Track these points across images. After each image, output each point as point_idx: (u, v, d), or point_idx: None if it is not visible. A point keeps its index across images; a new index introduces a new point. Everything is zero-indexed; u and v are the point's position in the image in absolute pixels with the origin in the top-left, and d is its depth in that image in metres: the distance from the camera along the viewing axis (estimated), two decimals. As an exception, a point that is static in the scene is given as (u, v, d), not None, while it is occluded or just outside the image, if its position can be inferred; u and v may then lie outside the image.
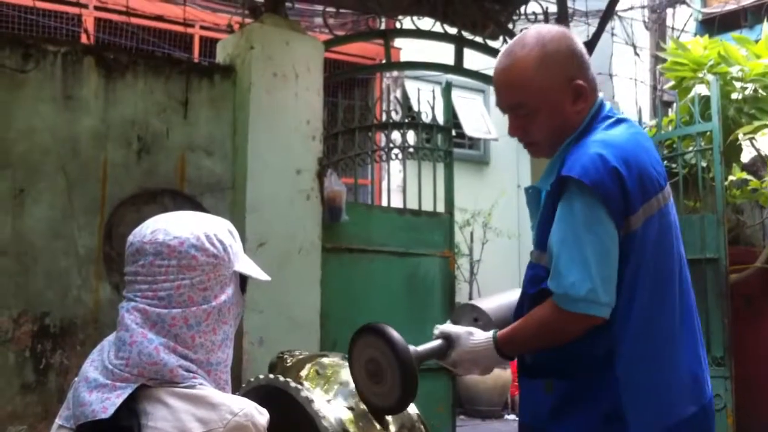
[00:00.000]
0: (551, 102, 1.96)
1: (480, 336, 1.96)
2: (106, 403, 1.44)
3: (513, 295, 2.09)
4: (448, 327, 2.01)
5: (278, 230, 3.83)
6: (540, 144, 2.03)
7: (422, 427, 2.13)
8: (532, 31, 2.01)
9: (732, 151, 5.20)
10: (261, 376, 2.12)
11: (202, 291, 1.54)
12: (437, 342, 2.00)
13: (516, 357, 1.99)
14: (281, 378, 2.08)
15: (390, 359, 1.90)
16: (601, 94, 2.08)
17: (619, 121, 2.00)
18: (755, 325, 5.23)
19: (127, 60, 3.66)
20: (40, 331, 3.27)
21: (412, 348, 1.94)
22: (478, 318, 2.04)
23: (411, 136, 4.81)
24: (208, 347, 1.53)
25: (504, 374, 7.53)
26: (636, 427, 1.82)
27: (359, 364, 1.98)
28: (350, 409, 2.06)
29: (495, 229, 8.31)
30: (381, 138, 4.71)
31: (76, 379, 1.57)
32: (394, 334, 1.91)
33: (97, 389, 1.47)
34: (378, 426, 2.05)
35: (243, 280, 1.65)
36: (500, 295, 2.17)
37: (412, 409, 2.15)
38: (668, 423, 1.85)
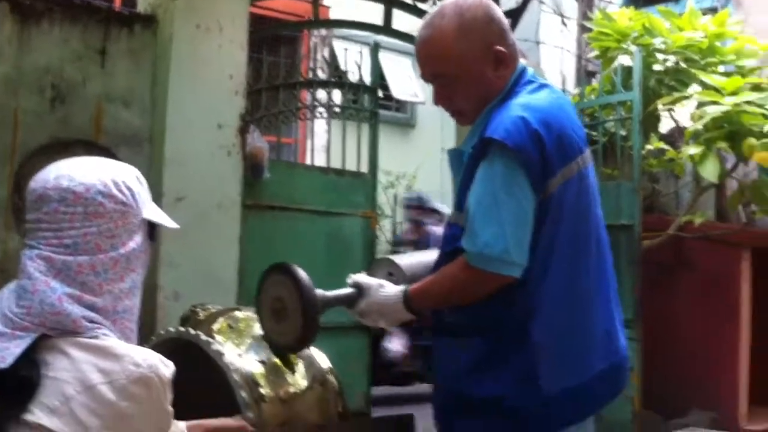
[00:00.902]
0: (472, 70, 1.98)
1: (390, 289, 1.99)
2: (4, 353, 1.41)
3: (431, 255, 2.11)
4: (361, 277, 2.04)
5: (197, 185, 3.77)
6: (465, 112, 2.06)
7: (334, 380, 2.14)
8: (450, 1, 2.02)
9: (651, 121, 5.31)
10: (171, 329, 2.11)
11: (109, 239, 1.51)
12: (348, 290, 2.03)
13: (422, 313, 2.02)
14: (192, 331, 2.06)
15: (295, 298, 1.93)
16: (523, 61, 2.11)
17: (542, 86, 2.03)
18: (664, 291, 5.40)
19: (43, 7, 3.52)
20: (-55, 282, 3.16)
21: (320, 292, 1.98)
22: (393, 273, 2.06)
23: (337, 96, 4.77)
24: (116, 295, 1.51)
25: (422, 336, 7.62)
26: (548, 386, 1.87)
27: (266, 300, 2.01)
28: (261, 362, 2.06)
29: (419, 191, 8.35)
30: (306, 96, 4.67)
31: (-26, 327, 1.53)
32: (303, 274, 1.94)
33: (-4, 338, 1.43)
34: (289, 379, 2.06)
35: (151, 229, 1.62)
36: (419, 254, 2.21)
37: (324, 362, 2.17)
38: (579, 380, 1.91)
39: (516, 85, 2.01)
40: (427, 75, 2.04)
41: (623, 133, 5.12)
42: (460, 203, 1.96)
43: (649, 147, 4.96)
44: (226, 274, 3.77)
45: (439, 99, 2.05)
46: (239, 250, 3.89)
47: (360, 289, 2.02)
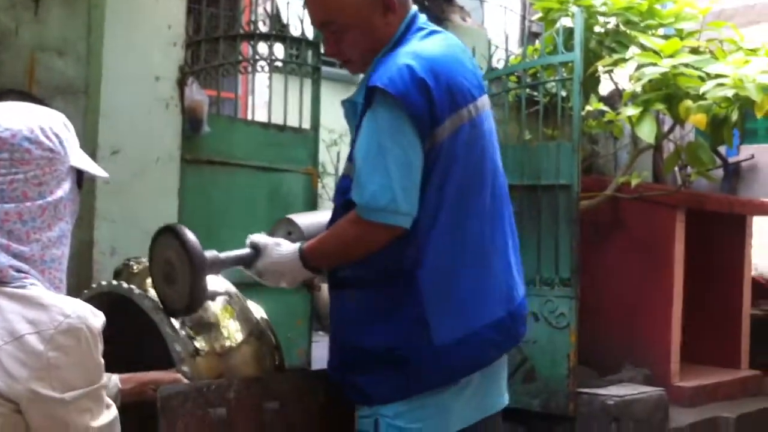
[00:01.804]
0: (360, 17, 1.96)
1: (287, 248, 1.98)
2: (-73, 303, 1.37)
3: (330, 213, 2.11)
4: (258, 237, 2.02)
5: (134, 139, 3.69)
6: (355, 61, 2.05)
7: (271, 334, 2.14)
8: None
9: (591, 82, 5.36)
10: (104, 283, 2.07)
11: (37, 186, 1.47)
12: (244, 250, 2.02)
13: (322, 270, 2.01)
14: (125, 285, 2.03)
15: (183, 260, 1.91)
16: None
17: (432, 32, 2.02)
18: (601, 251, 5.50)
19: (-28, -49, 3.38)
20: None
21: (213, 253, 1.96)
22: (291, 232, 2.05)
23: (279, 50, 4.70)
24: (44, 243, 1.47)
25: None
26: (439, 332, 1.88)
27: (157, 264, 1.98)
28: (198, 317, 2.04)
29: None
30: (247, 50, 4.59)
31: None
32: (190, 236, 1.91)
33: None
34: (225, 333, 2.05)
35: (79, 177, 1.58)
36: (319, 213, 2.20)
37: (259, 314, 2.16)
38: (472, 327, 1.92)
39: (407, 32, 1.99)
40: (316, 23, 2.03)
41: (564, 94, 5.16)
42: (353, 155, 1.95)
43: (588, 108, 5.02)
44: (164, 230, 3.72)
45: (328, 47, 2.04)
46: (178, 205, 3.83)
47: (257, 249, 2.01)
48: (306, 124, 4.70)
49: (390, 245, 1.87)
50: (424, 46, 1.93)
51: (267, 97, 4.62)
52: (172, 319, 1.97)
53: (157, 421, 1.80)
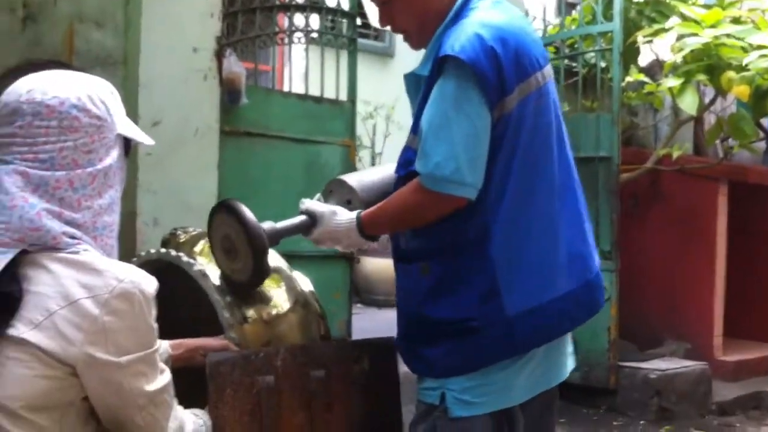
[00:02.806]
0: None
1: (344, 216, 1.97)
2: (-15, 269, 1.37)
3: (386, 170, 2.09)
4: (314, 205, 2.01)
5: (173, 110, 3.69)
6: (410, 33, 2.03)
7: (316, 303, 2.13)
8: None
9: (631, 53, 5.27)
10: (152, 251, 2.07)
11: (86, 153, 1.47)
12: (299, 219, 2.01)
13: (378, 237, 2.01)
14: (173, 252, 2.03)
15: (241, 235, 1.91)
16: None
17: (496, 3, 1.98)
18: (641, 223, 5.44)
19: None
20: None
21: (270, 224, 1.96)
22: (351, 201, 2.03)
23: (315, 21, 4.67)
24: (95, 211, 1.47)
25: (399, 266, 7.66)
26: (510, 304, 1.85)
27: (216, 241, 1.99)
28: (244, 284, 2.04)
29: (397, 122, 8.28)
30: (284, 21, 4.57)
31: (-49, 243, 1.49)
32: (245, 211, 1.91)
33: (-26, 254, 1.40)
34: (271, 302, 2.05)
35: (126, 145, 1.58)
36: (374, 170, 2.16)
37: (307, 286, 2.15)
38: (545, 298, 1.89)
39: (467, 2, 1.96)
40: None
41: (603, 64, 5.09)
42: (416, 127, 1.92)
43: (628, 79, 4.94)
44: (203, 201, 3.73)
45: (382, 19, 2.03)
46: (217, 176, 3.84)
47: (313, 217, 2.00)
48: (343, 96, 4.68)
49: (458, 216, 1.85)
50: (491, 15, 1.91)
51: (303, 69, 4.61)
52: (220, 286, 1.97)
53: (206, 387, 1.81)
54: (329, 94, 4.65)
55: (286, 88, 4.78)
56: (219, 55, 3.89)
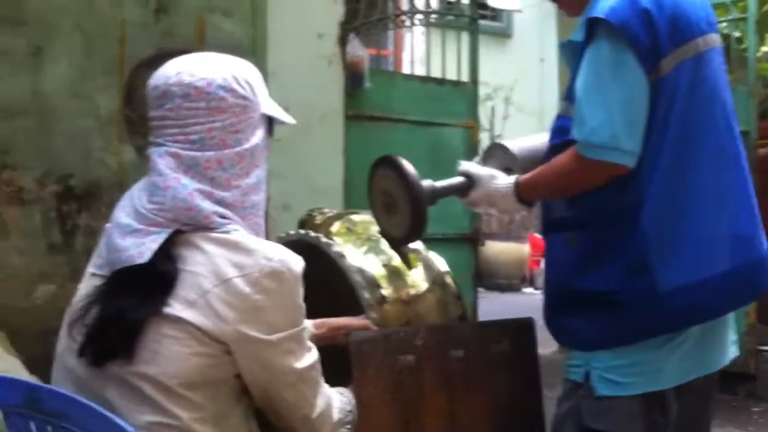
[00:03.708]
0: None
1: (502, 180, 1.95)
2: (142, 248, 1.42)
3: (545, 138, 2.05)
4: (472, 167, 2.00)
5: (300, 96, 3.74)
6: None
7: (452, 283, 2.12)
8: None
9: (766, 22, 5.02)
10: (291, 232, 2.10)
11: (233, 134, 1.49)
12: (458, 179, 2.00)
13: (534, 203, 1.97)
14: (312, 233, 2.05)
15: (402, 190, 1.91)
16: None
17: None
18: (780, 200, 5.17)
19: None
20: (65, 193, 3.25)
21: (429, 182, 1.96)
22: (511, 168, 2.00)
23: (434, 3, 4.65)
24: (244, 190, 1.50)
25: (523, 249, 7.58)
26: (664, 280, 1.77)
27: (376, 195, 1.99)
28: (383, 265, 2.04)
29: (517, 104, 8.18)
30: (401, 4, 4.57)
31: (107, 225, 1.55)
32: (408, 166, 1.91)
33: (131, 234, 1.44)
34: (409, 282, 2.04)
35: (269, 124, 1.60)
36: (533, 138, 2.13)
37: (444, 266, 2.14)
38: (701, 275, 1.79)
39: None
40: None
41: (737, 34, 4.87)
42: (571, 94, 1.87)
43: (764, 49, 4.70)
44: (331, 185, 3.78)
45: None
46: (343, 160, 3.88)
47: (471, 179, 1.98)
48: (464, 77, 4.64)
49: (609, 185, 1.79)
50: None
51: (422, 53, 4.59)
52: (358, 267, 1.98)
53: (347, 367, 1.82)
54: (450, 76, 4.62)
55: (406, 72, 4.78)
56: (342, 41, 3.92)
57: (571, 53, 1.93)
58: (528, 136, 2.18)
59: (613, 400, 1.83)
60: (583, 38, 1.83)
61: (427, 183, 1.95)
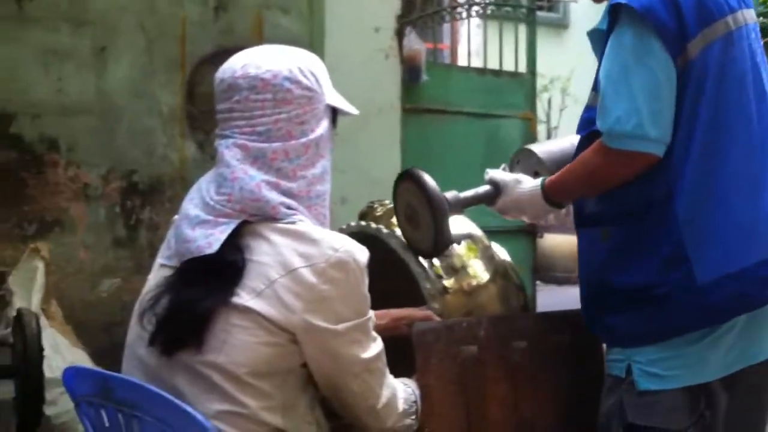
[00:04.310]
0: None
1: (527, 184, 1.90)
2: (210, 239, 1.44)
3: (572, 140, 2.01)
4: (498, 174, 1.97)
5: (357, 90, 3.72)
6: None
7: (514, 275, 2.11)
8: None
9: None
10: (352, 223, 2.11)
11: (299, 125, 1.51)
12: (484, 188, 1.97)
13: (564, 205, 1.93)
14: (372, 225, 2.06)
15: (423, 204, 1.89)
16: None
17: None
18: None
19: None
20: (129, 188, 3.33)
21: (453, 193, 1.93)
22: (538, 172, 1.97)
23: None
24: (309, 180, 1.52)
25: (581, 242, 7.50)
26: (703, 271, 1.71)
27: (400, 209, 1.98)
28: (444, 256, 2.04)
29: (574, 95, 8.08)
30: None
31: (175, 217, 1.57)
32: (428, 180, 1.90)
33: (199, 225, 1.47)
34: (470, 273, 2.04)
35: (333, 115, 1.61)
36: (560, 140, 2.10)
37: (505, 257, 2.13)
38: (742, 263, 1.72)
39: None
40: None
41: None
42: (597, 84, 1.82)
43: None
44: (389, 179, 3.75)
45: None
46: (400, 153, 3.89)
47: (497, 187, 1.96)
48: (522, 68, 4.61)
49: (640, 177, 1.74)
50: None
51: (478, 46, 4.58)
52: (419, 258, 1.98)
53: (409, 357, 1.82)
54: (507, 68, 4.60)
55: (463, 64, 4.77)
56: (399, 34, 3.93)
57: (598, 42, 1.88)
58: (556, 139, 2.15)
59: (656, 395, 1.77)
60: (607, 26, 1.79)
61: (451, 194, 1.93)
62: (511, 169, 2.05)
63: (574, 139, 2.01)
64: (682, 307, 1.73)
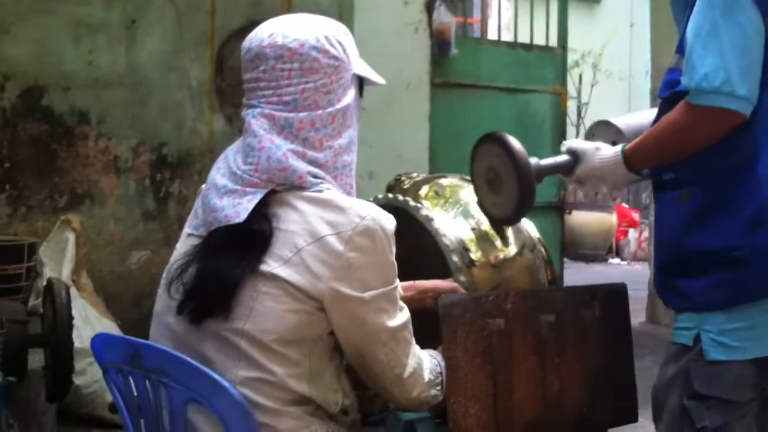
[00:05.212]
0: None
1: (607, 151, 1.86)
2: (238, 208, 1.44)
3: (651, 113, 1.97)
4: (576, 143, 1.93)
5: (386, 64, 3.68)
6: None
7: (542, 249, 2.09)
8: None
9: None
10: (380, 196, 2.10)
11: (326, 94, 1.50)
12: (563, 157, 1.93)
13: (645, 171, 1.88)
14: (400, 197, 2.05)
15: (509, 168, 1.86)
16: None
17: None
18: None
19: None
20: (158, 161, 3.35)
21: (534, 160, 1.89)
22: (617, 142, 1.93)
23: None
24: (336, 150, 1.51)
25: (610, 218, 7.44)
26: None
27: (480, 171, 1.95)
28: (472, 229, 2.03)
29: (605, 70, 7.99)
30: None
31: (203, 186, 1.58)
32: (516, 143, 1.86)
33: (227, 195, 1.47)
34: (498, 246, 2.02)
35: (360, 84, 1.60)
36: (642, 113, 2.06)
37: (534, 231, 2.11)
38: None
39: None
40: None
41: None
42: (681, 46, 1.78)
43: None
44: (417, 154, 3.78)
45: None
46: (429, 128, 3.87)
47: (575, 156, 1.92)
48: (552, 42, 4.55)
49: (723, 140, 1.69)
50: None
51: (509, 19, 4.53)
52: (446, 231, 1.97)
53: (435, 329, 1.82)
54: (537, 42, 4.55)
55: (492, 39, 4.72)
56: (429, 7, 3.89)
57: (682, 4, 1.84)
58: (634, 113, 2.10)
59: (725, 365, 1.73)
60: None
61: (533, 161, 1.88)
62: (589, 139, 2.01)
63: (650, 114, 1.97)
64: (761, 270, 1.70)
